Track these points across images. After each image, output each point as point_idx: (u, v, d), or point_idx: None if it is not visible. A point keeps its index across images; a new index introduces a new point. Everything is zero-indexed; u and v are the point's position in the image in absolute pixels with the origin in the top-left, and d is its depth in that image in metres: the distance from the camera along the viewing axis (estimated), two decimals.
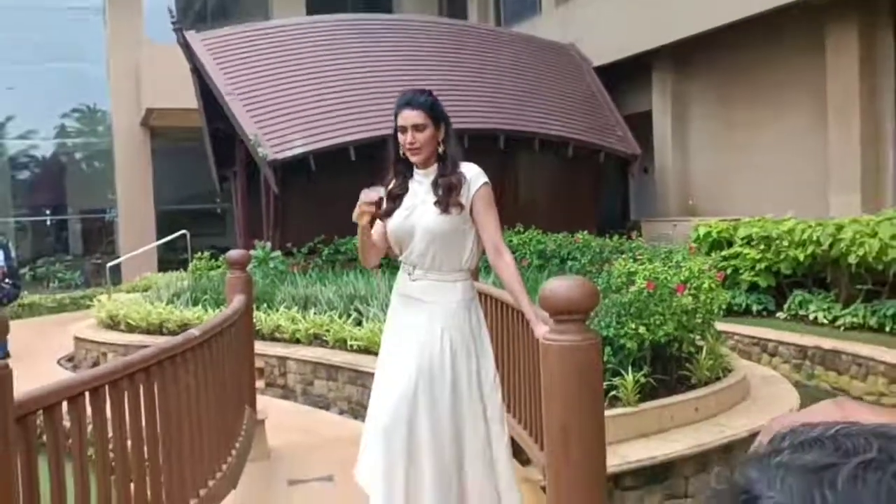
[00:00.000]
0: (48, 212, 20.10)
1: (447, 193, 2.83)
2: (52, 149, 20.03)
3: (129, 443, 2.48)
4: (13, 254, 17.38)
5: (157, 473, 2.66)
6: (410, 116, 2.83)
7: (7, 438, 1.81)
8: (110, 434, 2.40)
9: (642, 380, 5.41)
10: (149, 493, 2.59)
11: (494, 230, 2.90)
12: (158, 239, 16.62)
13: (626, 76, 14.52)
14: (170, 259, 17.14)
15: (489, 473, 2.83)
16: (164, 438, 2.71)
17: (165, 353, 2.70)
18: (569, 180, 12.86)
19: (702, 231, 10.09)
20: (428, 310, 2.85)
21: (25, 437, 1.95)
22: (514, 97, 12.46)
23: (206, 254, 12.72)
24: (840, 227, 8.68)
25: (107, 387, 2.32)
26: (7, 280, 9.92)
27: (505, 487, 2.86)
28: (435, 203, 2.84)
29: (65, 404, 2.15)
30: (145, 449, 2.60)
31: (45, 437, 2.15)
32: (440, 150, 2.90)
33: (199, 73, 11.99)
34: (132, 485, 2.50)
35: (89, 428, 2.34)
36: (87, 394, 2.22)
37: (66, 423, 2.26)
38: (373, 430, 2.87)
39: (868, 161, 10.86)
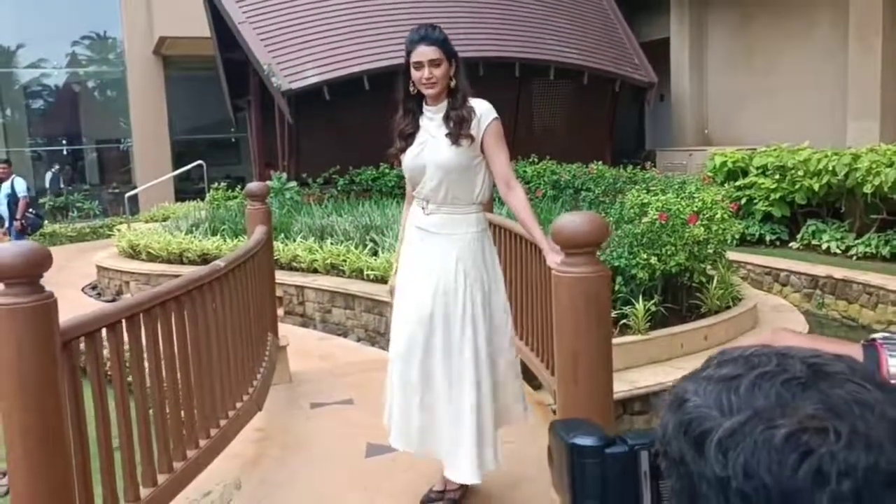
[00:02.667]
0: (64, 141, 20.19)
1: (458, 125, 2.90)
2: (64, 77, 19.97)
3: (163, 366, 2.63)
4: (61, 184, 17.85)
5: (189, 395, 2.82)
6: (427, 52, 2.87)
7: (55, 362, 1.95)
8: (146, 358, 2.55)
9: (653, 308, 5.54)
10: (182, 413, 2.76)
11: (504, 164, 2.96)
12: (174, 169, 16.72)
13: (643, 1, 14.22)
14: (186, 189, 17.28)
15: (495, 393, 3.00)
16: (194, 362, 2.87)
17: (194, 283, 2.83)
18: (584, 109, 12.76)
19: (717, 161, 10.06)
20: (442, 241, 2.95)
21: (70, 361, 2.09)
22: (530, 24, 12.27)
23: (223, 184, 12.83)
24: (856, 157, 8.64)
25: (141, 315, 2.46)
26: (31, 210, 10.10)
27: (512, 401, 3.03)
28: (447, 135, 2.91)
29: (104, 331, 2.28)
30: (178, 374, 2.76)
31: (83, 360, 2.30)
32: (451, 84, 2.95)
33: (211, 0, 11.87)
34: (167, 405, 2.66)
35: (126, 355, 2.48)
36: (123, 321, 2.36)
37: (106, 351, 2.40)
38: (393, 357, 3.02)
39: (889, 87, 10.69)
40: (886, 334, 0.74)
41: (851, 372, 0.54)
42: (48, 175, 18.85)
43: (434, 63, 2.87)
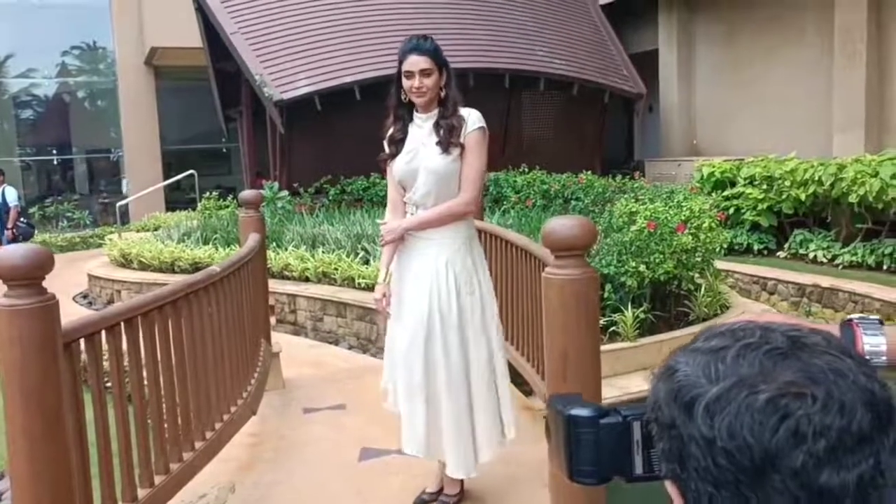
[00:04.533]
0: (54, 151, 20.15)
1: (448, 134, 2.96)
2: (54, 87, 19.95)
3: (160, 369, 2.67)
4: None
5: (185, 398, 2.86)
6: (418, 62, 2.93)
7: (56, 362, 1.99)
8: (143, 361, 2.59)
9: (642, 316, 5.60)
10: (179, 416, 2.80)
11: (472, 170, 2.97)
12: (165, 179, 16.72)
13: (632, 13, 14.38)
14: (177, 199, 17.28)
15: (492, 397, 3.04)
16: (190, 366, 2.91)
17: (190, 287, 2.88)
18: (573, 120, 12.87)
19: (705, 171, 10.16)
20: (431, 247, 3.00)
21: (71, 362, 2.13)
22: (520, 35, 12.39)
23: (215, 193, 12.85)
24: (842, 167, 8.75)
25: (139, 318, 2.50)
26: (22, 219, 10.09)
27: (505, 407, 3.07)
28: (437, 143, 2.97)
29: (103, 333, 2.32)
30: (175, 377, 2.79)
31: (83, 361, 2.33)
32: (442, 93, 3.01)
33: (203, 11, 11.93)
34: (164, 408, 2.70)
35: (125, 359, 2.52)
36: (122, 324, 2.40)
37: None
38: (393, 360, 3.06)
39: (873, 99, 10.84)
40: (862, 315, 0.80)
41: (828, 344, 0.60)
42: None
43: (425, 73, 2.93)
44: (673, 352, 0.65)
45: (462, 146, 2.96)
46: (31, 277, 1.96)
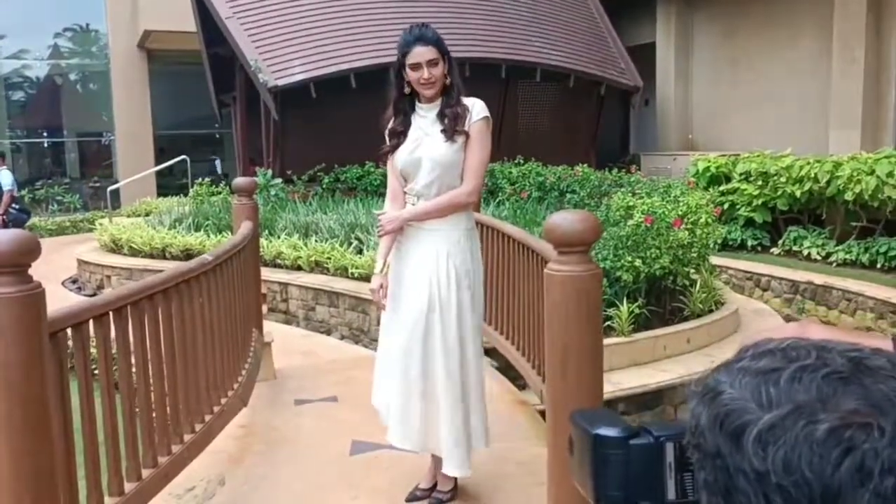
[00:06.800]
0: (44, 133, 19.96)
1: (453, 122, 2.90)
2: (45, 69, 19.74)
3: (149, 360, 2.61)
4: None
5: (174, 390, 2.80)
6: (424, 53, 2.86)
7: (42, 351, 1.93)
8: (132, 351, 2.52)
9: (637, 311, 5.56)
10: (168, 408, 2.73)
11: (475, 160, 2.93)
12: (156, 164, 16.57)
13: (629, 6, 14.30)
14: (168, 184, 17.14)
15: (482, 393, 3.02)
16: (180, 357, 2.84)
17: (182, 275, 2.81)
18: (569, 112, 12.80)
19: (700, 166, 10.13)
20: (431, 238, 2.95)
21: (57, 352, 2.07)
22: (517, 26, 12.29)
23: (207, 180, 12.75)
24: (838, 165, 8.73)
25: (129, 307, 2.43)
26: (14, 205, 9.94)
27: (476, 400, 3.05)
28: (441, 131, 2.91)
29: (91, 322, 2.26)
30: (164, 368, 2.73)
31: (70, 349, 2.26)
32: (447, 82, 2.95)
33: None
34: (153, 399, 2.64)
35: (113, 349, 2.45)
36: (111, 313, 2.33)
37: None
38: (388, 355, 3.00)
39: (870, 98, 10.82)
40: None
41: (893, 367, 0.54)
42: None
43: (431, 63, 2.87)
44: (714, 369, 0.58)
45: (466, 135, 2.90)
46: (16, 265, 1.89)
